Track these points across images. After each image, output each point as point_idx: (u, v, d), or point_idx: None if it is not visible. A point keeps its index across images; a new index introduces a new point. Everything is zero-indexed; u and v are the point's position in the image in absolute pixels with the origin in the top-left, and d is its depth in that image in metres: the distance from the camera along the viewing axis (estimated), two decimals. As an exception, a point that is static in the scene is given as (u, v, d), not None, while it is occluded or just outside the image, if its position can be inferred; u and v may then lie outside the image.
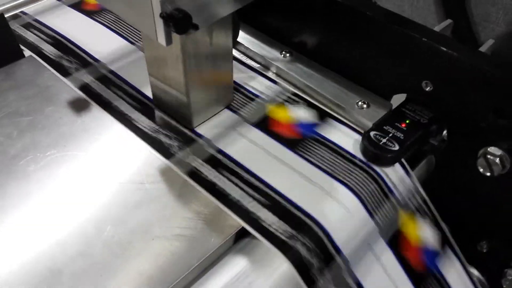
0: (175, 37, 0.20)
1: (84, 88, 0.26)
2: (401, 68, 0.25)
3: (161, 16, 0.19)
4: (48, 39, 0.29)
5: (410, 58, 0.25)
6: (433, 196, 0.25)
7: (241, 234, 0.22)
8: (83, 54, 0.28)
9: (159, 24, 0.20)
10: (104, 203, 0.22)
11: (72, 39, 0.29)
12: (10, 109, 0.25)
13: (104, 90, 0.26)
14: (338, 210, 0.22)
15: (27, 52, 0.29)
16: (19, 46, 0.29)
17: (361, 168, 0.24)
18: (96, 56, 0.28)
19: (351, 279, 0.22)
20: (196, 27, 0.20)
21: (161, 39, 0.20)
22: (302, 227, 0.21)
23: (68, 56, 0.28)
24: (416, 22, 0.25)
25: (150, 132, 0.25)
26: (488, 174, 0.24)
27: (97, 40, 0.29)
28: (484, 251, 0.27)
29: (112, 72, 0.27)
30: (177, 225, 0.21)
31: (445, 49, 0.23)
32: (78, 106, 0.25)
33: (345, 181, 0.23)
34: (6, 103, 0.26)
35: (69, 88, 0.26)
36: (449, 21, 0.32)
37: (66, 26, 0.30)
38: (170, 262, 0.20)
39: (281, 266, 0.21)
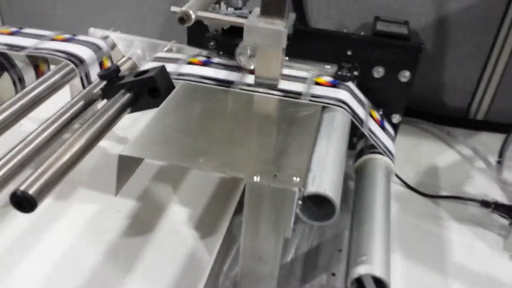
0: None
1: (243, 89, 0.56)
2: (340, 48, 0.63)
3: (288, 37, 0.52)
4: (198, 78, 0.58)
5: (341, 43, 0.62)
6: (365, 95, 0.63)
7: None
8: (225, 80, 0.58)
9: (284, 38, 0.52)
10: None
11: (211, 75, 0.58)
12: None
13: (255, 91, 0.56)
14: (352, 100, 0.57)
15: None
16: (173, 84, 0.57)
17: (343, 85, 0.60)
18: (231, 79, 0.58)
19: (368, 127, 0.57)
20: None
21: (283, 44, 0.53)
22: (345, 105, 0.56)
23: (220, 82, 0.57)
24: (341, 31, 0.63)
25: (278, 93, 0.56)
26: (378, 77, 0.63)
27: (221, 75, 0.59)
28: (381, 113, 0.66)
29: (247, 84, 0.57)
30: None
31: (347, 35, 0.62)
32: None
33: (344, 90, 0.59)
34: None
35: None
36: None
37: (199, 72, 0.59)
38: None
39: (345, 116, 0.55)
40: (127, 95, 0.55)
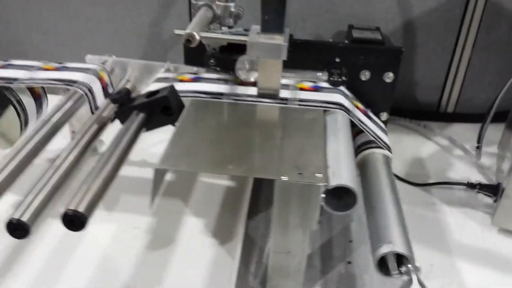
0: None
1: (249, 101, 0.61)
2: (329, 56, 0.69)
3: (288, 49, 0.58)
4: (195, 94, 0.62)
5: (329, 52, 0.69)
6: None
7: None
8: (230, 93, 0.62)
9: (284, 50, 0.58)
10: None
11: (204, 90, 0.63)
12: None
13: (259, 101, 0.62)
14: (344, 100, 0.64)
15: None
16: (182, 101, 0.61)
17: (336, 89, 0.66)
18: (236, 92, 0.63)
19: (354, 115, 0.64)
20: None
21: (284, 57, 0.59)
22: (342, 107, 0.62)
23: (215, 96, 0.62)
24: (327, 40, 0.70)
25: (279, 101, 0.62)
26: (365, 79, 0.70)
27: (211, 87, 0.64)
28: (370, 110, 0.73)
29: (250, 95, 0.62)
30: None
31: (335, 44, 0.69)
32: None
33: (336, 93, 0.65)
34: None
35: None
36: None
37: (193, 87, 0.63)
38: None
39: (345, 117, 0.61)
40: (141, 115, 0.59)
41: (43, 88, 0.72)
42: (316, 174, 0.48)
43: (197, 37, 0.59)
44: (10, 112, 0.66)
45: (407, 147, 0.89)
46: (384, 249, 0.48)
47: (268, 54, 0.59)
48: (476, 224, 0.70)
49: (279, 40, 0.58)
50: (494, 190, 0.70)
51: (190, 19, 0.94)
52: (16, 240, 0.62)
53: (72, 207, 0.44)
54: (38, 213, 0.47)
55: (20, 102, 0.67)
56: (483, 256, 0.64)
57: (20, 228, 0.45)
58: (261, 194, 0.73)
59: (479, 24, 0.89)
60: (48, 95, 0.73)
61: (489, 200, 0.73)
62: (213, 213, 0.70)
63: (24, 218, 0.45)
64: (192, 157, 0.50)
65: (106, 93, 0.68)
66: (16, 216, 0.45)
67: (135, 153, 0.77)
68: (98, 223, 0.66)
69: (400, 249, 0.47)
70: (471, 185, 0.73)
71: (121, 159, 0.53)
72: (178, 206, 0.71)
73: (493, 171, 0.82)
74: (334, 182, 0.48)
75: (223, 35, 0.62)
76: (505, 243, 0.66)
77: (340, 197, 0.50)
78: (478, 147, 0.75)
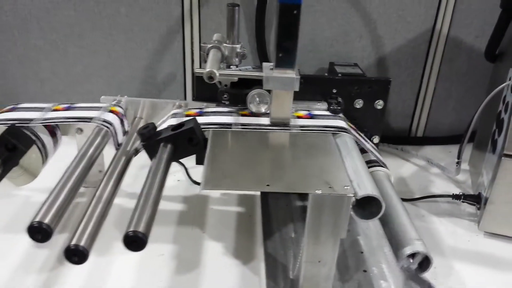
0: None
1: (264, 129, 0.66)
2: (326, 88, 0.75)
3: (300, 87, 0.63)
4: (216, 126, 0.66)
5: (327, 84, 0.75)
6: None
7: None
8: (245, 123, 0.67)
9: (297, 83, 0.63)
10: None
11: (221, 121, 0.67)
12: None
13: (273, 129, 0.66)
14: (345, 125, 0.70)
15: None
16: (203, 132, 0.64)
17: (336, 116, 0.72)
18: (249, 122, 0.67)
19: (355, 137, 0.69)
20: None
21: (296, 88, 0.64)
22: (344, 130, 0.68)
23: (243, 126, 0.66)
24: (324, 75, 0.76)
25: (291, 129, 0.66)
26: (358, 107, 0.76)
27: (241, 120, 0.68)
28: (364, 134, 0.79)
29: (264, 124, 0.67)
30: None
31: (332, 77, 0.75)
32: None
33: (338, 119, 0.71)
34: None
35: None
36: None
37: (214, 120, 0.67)
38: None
39: (351, 138, 0.67)
40: (168, 147, 0.62)
41: (57, 126, 0.73)
42: (345, 187, 0.52)
43: (217, 74, 0.63)
44: (33, 151, 0.67)
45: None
46: (409, 250, 0.53)
47: (282, 86, 0.64)
48: (464, 231, 0.76)
49: (292, 74, 0.64)
50: (476, 199, 0.77)
51: (184, 63, 0.99)
52: (44, 272, 0.62)
53: (132, 229, 0.46)
54: (93, 239, 0.48)
55: (40, 139, 0.68)
56: (476, 257, 0.70)
57: (79, 253, 0.46)
58: (272, 216, 0.76)
59: (442, 57, 0.99)
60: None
61: (471, 209, 0.81)
62: (230, 236, 0.72)
63: (82, 243, 0.46)
64: (230, 179, 0.53)
65: (124, 130, 0.70)
66: (74, 242, 0.46)
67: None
68: (123, 253, 0.67)
69: (422, 248, 0.52)
70: (456, 196, 0.80)
71: (161, 186, 0.55)
72: (196, 233, 0.73)
73: (468, 184, 0.90)
74: (361, 192, 0.52)
75: (240, 72, 0.67)
76: (493, 245, 0.73)
77: (363, 207, 0.54)
78: (458, 163, 0.82)
